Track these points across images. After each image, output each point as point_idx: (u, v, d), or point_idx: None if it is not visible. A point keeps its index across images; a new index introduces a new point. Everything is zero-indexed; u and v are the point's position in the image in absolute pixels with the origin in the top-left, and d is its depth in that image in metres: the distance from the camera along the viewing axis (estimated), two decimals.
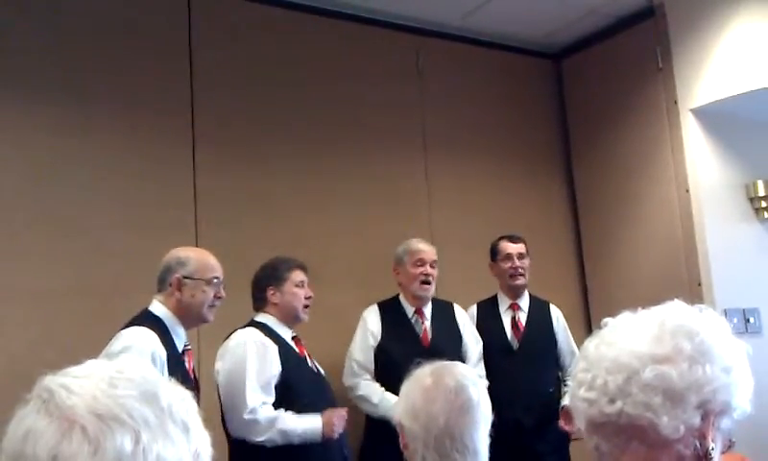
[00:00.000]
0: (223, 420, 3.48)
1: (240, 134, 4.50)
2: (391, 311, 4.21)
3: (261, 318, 3.67)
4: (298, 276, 3.71)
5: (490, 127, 5.47)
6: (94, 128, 4.08)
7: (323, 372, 3.82)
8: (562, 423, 4.08)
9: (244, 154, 4.49)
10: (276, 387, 3.48)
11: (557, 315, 4.56)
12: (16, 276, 3.74)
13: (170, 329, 3.10)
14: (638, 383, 1.26)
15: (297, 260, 3.78)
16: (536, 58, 5.85)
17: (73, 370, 0.96)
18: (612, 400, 1.28)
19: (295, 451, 3.42)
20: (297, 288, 3.68)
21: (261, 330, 3.59)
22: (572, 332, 4.82)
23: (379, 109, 5.02)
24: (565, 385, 4.28)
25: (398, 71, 5.17)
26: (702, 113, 4.99)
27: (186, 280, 3.14)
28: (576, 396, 1.35)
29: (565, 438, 4.32)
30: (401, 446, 2.01)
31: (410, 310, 4.20)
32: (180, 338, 3.16)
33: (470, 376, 2.07)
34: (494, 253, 4.53)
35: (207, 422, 0.99)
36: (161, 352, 2.95)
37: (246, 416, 3.37)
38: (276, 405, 3.45)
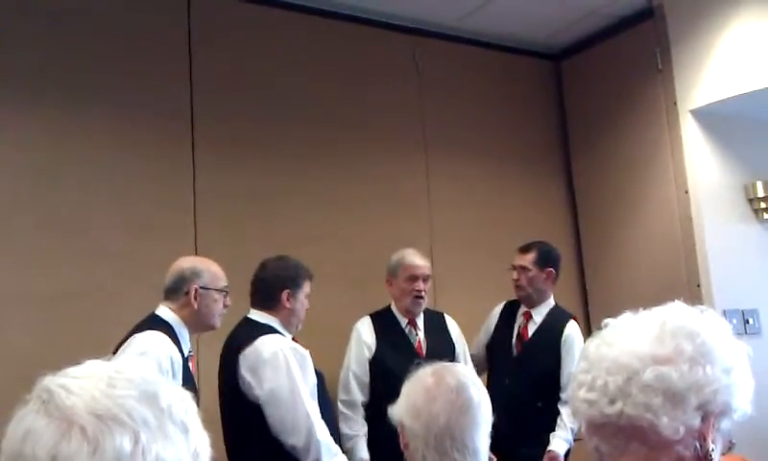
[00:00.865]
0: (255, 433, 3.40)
1: (239, 135, 4.49)
2: (384, 322, 4.17)
3: (267, 320, 3.55)
4: (308, 287, 3.66)
5: (489, 128, 5.47)
6: (94, 129, 4.07)
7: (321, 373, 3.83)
8: None
9: (243, 154, 4.49)
10: None
11: (568, 332, 4.27)
12: (16, 277, 3.73)
13: (178, 335, 3.15)
14: (639, 384, 1.27)
15: (310, 270, 3.70)
16: (535, 58, 5.85)
17: (72, 370, 0.95)
18: (612, 401, 1.28)
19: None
20: (306, 299, 3.66)
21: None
22: None
23: (379, 110, 5.01)
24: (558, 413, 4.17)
25: (398, 72, 5.17)
26: (701, 114, 4.99)
27: (202, 291, 3.21)
28: (576, 397, 1.35)
29: None
30: (402, 445, 2.01)
31: (403, 321, 4.17)
32: (186, 344, 3.21)
33: (471, 376, 2.07)
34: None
35: (207, 423, 0.99)
36: (178, 357, 3.01)
37: (319, 438, 3.29)
38: None
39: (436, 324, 4.25)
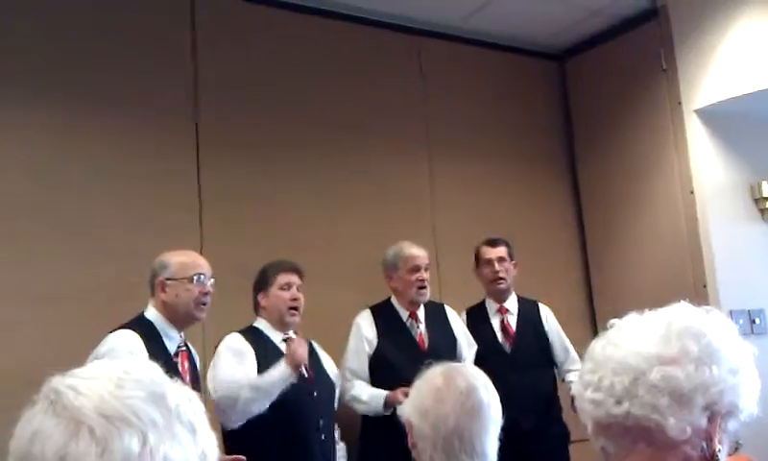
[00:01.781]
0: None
1: (244, 136, 4.50)
2: (384, 316, 4.17)
3: (256, 323, 3.75)
4: (283, 278, 3.72)
5: (493, 128, 5.46)
6: (98, 129, 4.08)
7: (331, 375, 3.84)
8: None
9: (247, 155, 4.49)
10: None
11: (546, 313, 4.52)
12: (20, 277, 3.74)
13: (161, 333, 3.18)
14: (645, 384, 1.26)
15: (286, 263, 3.78)
16: (539, 59, 5.85)
17: (80, 371, 0.96)
18: (618, 402, 1.28)
19: (266, 445, 3.41)
20: (281, 291, 3.70)
21: (251, 333, 3.66)
22: (577, 333, 4.82)
23: (382, 111, 5.02)
24: (565, 380, 4.37)
25: (402, 72, 5.17)
26: (706, 114, 4.98)
27: (169, 282, 3.21)
28: (582, 397, 1.34)
29: (566, 439, 4.32)
30: (409, 444, 2.01)
31: (404, 314, 4.17)
32: (173, 340, 3.22)
33: (482, 377, 2.06)
34: (477, 258, 4.49)
35: (213, 422, 0.99)
36: (141, 353, 3.00)
37: (215, 397, 3.43)
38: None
39: (437, 316, 4.24)
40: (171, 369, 3.03)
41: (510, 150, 5.49)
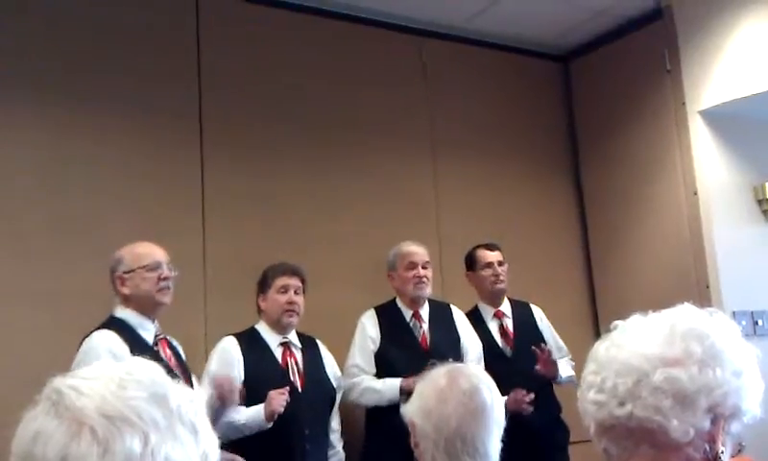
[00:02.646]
0: None
1: (248, 136, 4.50)
2: (388, 316, 4.18)
3: (257, 324, 3.78)
4: (281, 281, 3.75)
5: (497, 129, 5.46)
6: (102, 129, 4.08)
7: (335, 382, 3.85)
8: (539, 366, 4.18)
9: (252, 155, 4.49)
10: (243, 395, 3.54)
11: (539, 314, 4.56)
12: (25, 277, 3.74)
13: (135, 326, 3.21)
14: (648, 386, 1.26)
15: (285, 266, 3.80)
16: (543, 59, 5.84)
17: (82, 371, 0.96)
18: (621, 403, 1.28)
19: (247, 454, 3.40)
20: (278, 294, 3.73)
21: (246, 337, 3.70)
22: (579, 334, 4.83)
23: (387, 111, 5.01)
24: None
25: (406, 73, 5.17)
26: (710, 115, 4.98)
27: (126, 275, 3.25)
28: (585, 398, 1.34)
29: (566, 439, 4.33)
30: (412, 444, 2.01)
31: (408, 314, 4.17)
32: (149, 330, 3.26)
33: (486, 379, 2.06)
34: (472, 262, 4.49)
35: None
36: (120, 349, 3.04)
37: None
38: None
39: (441, 316, 4.24)
40: (153, 357, 3.08)
41: (513, 150, 5.49)
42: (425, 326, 4.16)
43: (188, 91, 4.36)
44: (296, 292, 3.75)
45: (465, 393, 1.98)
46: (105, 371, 0.95)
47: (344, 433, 3.98)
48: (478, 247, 4.51)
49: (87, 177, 4.00)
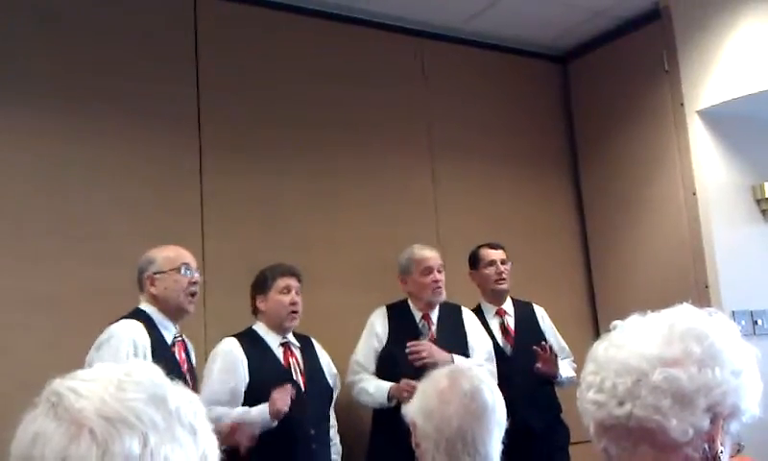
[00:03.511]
0: None
1: (246, 139, 4.50)
2: (398, 315, 4.20)
3: (255, 325, 3.78)
4: (282, 282, 3.75)
5: (495, 129, 5.46)
6: (101, 133, 4.08)
7: (331, 380, 3.85)
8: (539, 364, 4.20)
9: (250, 158, 4.49)
10: (247, 395, 3.56)
11: (542, 314, 4.58)
12: (26, 280, 3.75)
13: (158, 323, 3.26)
14: (648, 386, 1.26)
15: (285, 267, 3.80)
16: (542, 60, 5.85)
17: (81, 373, 0.96)
18: (621, 403, 1.28)
19: (253, 455, 3.41)
20: (280, 295, 3.73)
21: (247, 338, 3.70)
22: (579, 335, 4.84)
23: (385, 113, 5.02)
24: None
25: (404, 74, 5.18)
26: (708, 115, 4.98)
27: (157, 275, 3.30)
28: (585, 398, 1.34)
29: (566, 439, 4.33)
30: (413, 444, 2.01)
31: (417, 315, 4.19)
32: (170, 331, 3.31)
33: (487, 380, 2.06)
34: (476, 260, 4.53)
35: None
36: (143, 340, 3.12)
37: None
38: None
39: (451, 318, 4.25)
40: (169, 358, 3.14)
41: (512, 151, 5.49)
42: (434, 327, 4.17)
43: (187, 94, 4.37)
44: (296, 293, 3.76)
45: (466, 394, 1.98)
46: (104, 372, 0.96)
47: (348, 432, 4.00)
48: (482, 246, 4.54)
49: (87, 180, 4.01)
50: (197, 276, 3.36)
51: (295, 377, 3.67)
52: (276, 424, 3.43)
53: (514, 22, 5.32)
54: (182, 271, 3.31)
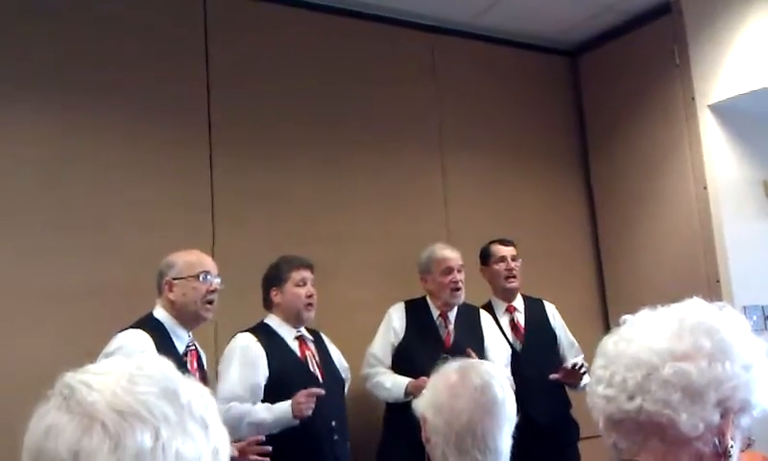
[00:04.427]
0: None
1: (256, 135, 4.51)
2: (416, 311, 4.21)
3: (267, 319, 3.75)
4: (298, 275, 3.73)
5: (506, 125, 5.46)
6: (110, 128, 4.09)
7: (342, 373, 3.85)
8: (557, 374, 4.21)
9: (260, 154, 4.50)
10: (267, 390, 3.54)
11: (552, 311, 4.59)
12: (33, 275, 3.76)
13: (170, 332, 3.21)
14: (658, 380, 1.26)
15: (299, 259, 3.79)
16: (552, 55, 5.84)
17: (93, 367, 0.96)
18: (630, 397, 1.28)
19: (278, 449, 3.38)
20: (297, 288, 3.71)
21: (262, 333, 3.66)
22: (589, 329, 4.83)
23: (395, 108, 5.02)
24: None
25: (414, 70, 5.17)
26: (719, 109, 4.96)
27: (176, 281, 3.25)
28: (594, 392, 1.34)
29: (576, 435, 4.33)
30: (423, 438, 2.01)
31: (435, 313, 4.20)
32: (182, 340, 3.25)
33: (497, 375, 2.05)
34: (486, 256, 4.54)
35: None
36: (151, 353, 3.00)
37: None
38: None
39: (468, 319, 4.26)
40: (181, 368, 3.10)
41: (522, 146, 5.48)
42: (451, 326, 4.19)
43: (196, 89, 4.37)
44: (311, 284, 3.75)
45: (476, 388, 1.98)
46: (116, 366, 0.96)
47: (361, 426, 4.03)
48: (493, 242, 4.56)
49: (94, 175, 4.01)
50: (216, 283, 3.30)
51: (312, 370, 3.67)
52: (297, 422, 3.42)
53: (524, 17, 5.31)
54: (201, 278, 3.25)
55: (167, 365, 0.99)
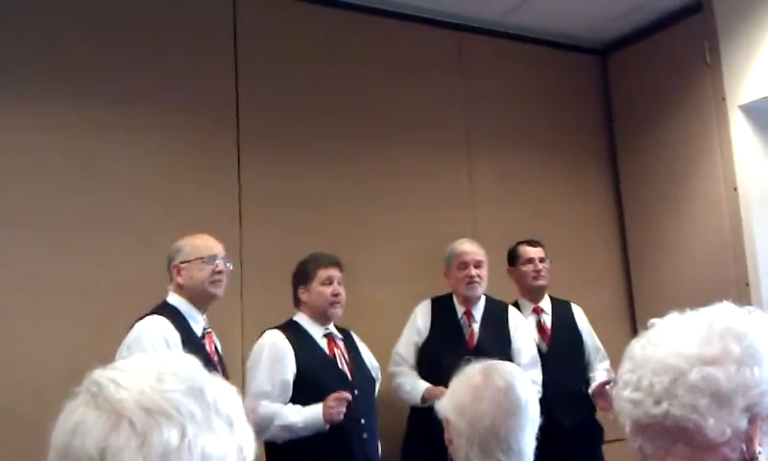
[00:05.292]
0: None
1: (284, 131, 4.52)
2: (441, 309, 4.21)
3: (296, 316, 3.76)
4: (325, 273, 3.73)
5: (534, 123, 5.43)
6: (140, 125, 4.12)
7: (373, 372, 3.85)
8: (599, 402, 4.17)
9: (288, 150, 4.51)
10: (294, 386, 3.55)
11: (579, 313, 4.56)
12: (64, 271, 3.79)
13: (186, 316, 3.28)
14: (685, 385, 1.25)
15: (326, 257, 3.79)
16: (582, 53, 5.80)
17: (121, 364, 0.97)
18: (657, 402, 1.27)
19: (308, 446, 3.43)
20: (323, 286, 3.71)
21: (290, 330, 3.67)
22: (616, 332, 4.80)
23: (423, 106, 5.01)
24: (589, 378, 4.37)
25: (442, 68, 5.16)
26: (750, 110, 4.91)
27: (183, 265, 3.33)
28: (621, 396, 1.34)
29: (600, 437, 4.31)
30: (446, 440, 2.01)
31: (460, 310, 4.19)
32: (198, 323, 3.32)
33: (520, 376, 2.05)
34: (514, 257, 4.53)
35: None
36: (173, 337, 3.12)
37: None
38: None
39: (495, 316, 4.24)
40: (200, 350, 3.13)
41: (550, 145, 5.46)
42: (476, 325, 4.17)
43: (226, 87, 4.39)
44: (338, 283, 3.75)
45: (500, 390, 1.97)
46: (144, 364, 0.97)
47: (393, 423, 4.03)
48: (521, 243, 4.54)
49: (126, 172, 4.04)
50: (220, 264, 3.35)
51: (340, 367, 3.67)
52: (327, 428, 3.43)
53: (553, 15, 5.29)
54: (207, 260, 3.33)
55: (194, 363, 0.99)
